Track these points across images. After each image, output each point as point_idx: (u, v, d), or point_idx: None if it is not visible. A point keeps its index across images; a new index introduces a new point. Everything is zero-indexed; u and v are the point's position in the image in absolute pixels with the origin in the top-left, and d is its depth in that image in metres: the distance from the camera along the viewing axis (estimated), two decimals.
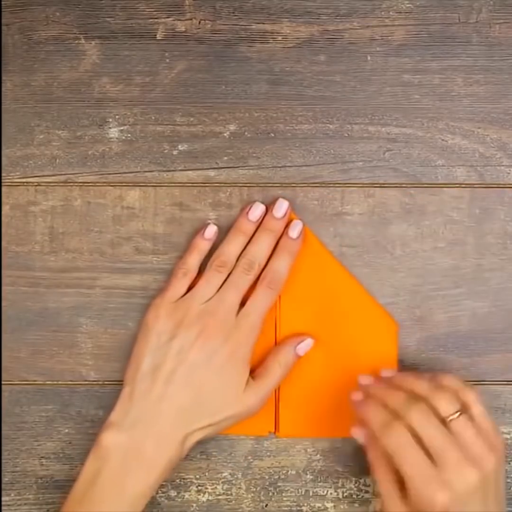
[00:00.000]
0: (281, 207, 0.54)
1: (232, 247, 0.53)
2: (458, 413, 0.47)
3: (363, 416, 0.49)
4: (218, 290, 0.52)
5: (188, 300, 0.52)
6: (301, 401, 0.55)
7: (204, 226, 0.55)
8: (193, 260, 0.54)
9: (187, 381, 0.50)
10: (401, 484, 0.47)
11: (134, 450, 0.49)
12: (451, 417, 0.47)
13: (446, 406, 0.47)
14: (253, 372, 0.53)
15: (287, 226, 0.54)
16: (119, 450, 0.49)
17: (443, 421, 0.47)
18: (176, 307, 0.52)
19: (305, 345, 0.54)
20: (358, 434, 0.51)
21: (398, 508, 0.47)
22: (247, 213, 0.54)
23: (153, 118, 0.57)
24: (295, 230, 0.54)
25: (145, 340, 0.52)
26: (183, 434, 0.50)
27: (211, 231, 0.55)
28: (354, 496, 0.56)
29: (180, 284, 0.53)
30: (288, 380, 0.54)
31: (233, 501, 0.56)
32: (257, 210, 0.54)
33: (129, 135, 0.57)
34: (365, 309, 0.55)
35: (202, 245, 0.54)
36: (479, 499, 0.46)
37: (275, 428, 0.55)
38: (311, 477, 0.56)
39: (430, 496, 0.45)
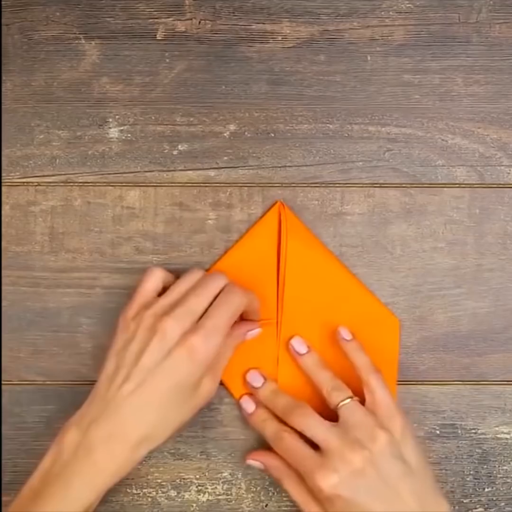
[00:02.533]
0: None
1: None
2: (348, 399, 0.51)
3: (255, 428, 0.54)
4: None
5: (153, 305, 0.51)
6: (300, 399, 0.55)
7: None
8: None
9: (140, 384, 0.49)
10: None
11: (85, 450, 0.48)
12: (340, 404, 0.50)
13: (335, 396, 0.51)
14: None
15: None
16: (71, 449, 0.48)
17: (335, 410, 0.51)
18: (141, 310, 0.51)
19: (254, 333, 0.54)
20: (254, 464, 0.54)
21: (312, 507, 0.50)
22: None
23: (153, 118, 0.57)
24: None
25: (113, 341, 0.51)
26: (135, 440, 0.48)
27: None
28: None
29: (149, 280, 0.52)
30: (288, 379, 0.54)
31: (233, 501, 0.56)
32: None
33: (129, 135, 0.57)
34: (367, 307, 0.55)
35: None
36: (371, 480, 0.48)
37: None
38: None
39: (317, 483, 0.48)
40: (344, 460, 0.48)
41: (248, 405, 0.54)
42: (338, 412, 0.51)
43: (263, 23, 0.57)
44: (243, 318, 0.54)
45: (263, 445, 0.55)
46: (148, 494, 0.56)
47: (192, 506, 0.56)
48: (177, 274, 0.53)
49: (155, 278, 0.52)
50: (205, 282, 0.51)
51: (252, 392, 0.55)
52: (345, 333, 0.54)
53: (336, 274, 0.56)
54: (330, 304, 0.55)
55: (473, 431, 0.56)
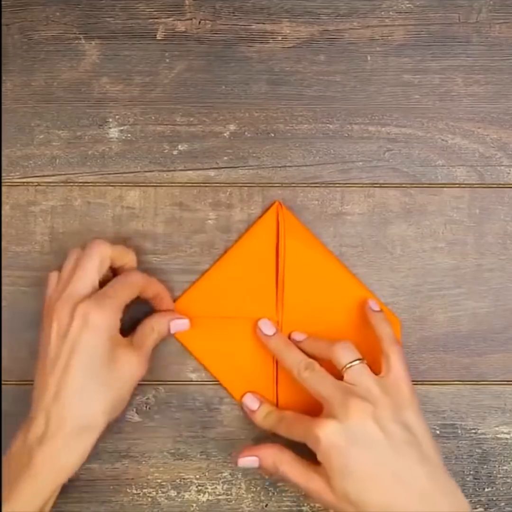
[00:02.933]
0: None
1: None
2: (358, 361, 0.50)
3: (259, 424, 0.53)
4: None
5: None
6: (300, 398, 0.55)
7: None
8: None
9: (58, 369, 0.49)
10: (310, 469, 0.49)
11: (27, 456, 0.48)
12: (349, 365, 0.50)
13: (343, 356, 0.50)
14: (128, 337, 0.52)
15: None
16: (15, 456, 0.49)
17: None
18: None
19: (181, 324, 0.54)
20: (246, 462, 0.52)
21: (314, 482, 0.48)
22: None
23: (153, 118, 0.57)
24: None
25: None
26: (70, 433, 0.49)
27: None
28: None
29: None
30: (288, 378, 0.54)
31: (233, 501, 0.56)
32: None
33: (129, 135, 0.57)
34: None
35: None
36: (372, 434, 0.47)
37: None
38: None
39: (315, 433, 0.48)
40: (345, 409, 0.48)
41: (252, 402, 0.54)
42: (344, 373, 0.50)
43: (263, 23, 0.57)
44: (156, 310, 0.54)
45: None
46: (148, 494, 0.56)
47: (192, 506, 0.56)
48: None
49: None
50: (83, 263, 0.51)
51: (263, 340, 0.54)
52: (373, 305, 0.54)
53: (335, 273, 0.56)
54: (330, 303, 0.55)
55: (473, 431, 0.56)
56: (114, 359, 0.49)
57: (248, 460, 0.52)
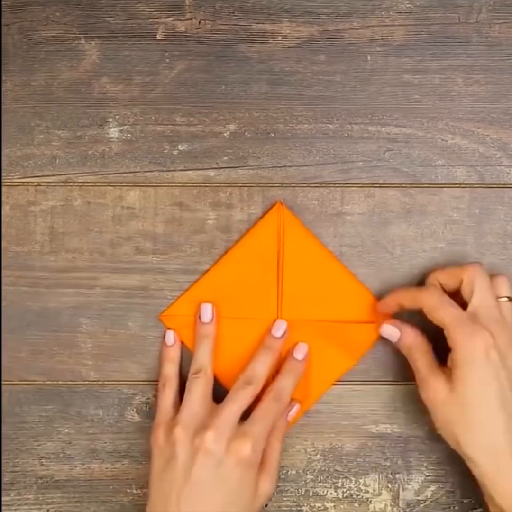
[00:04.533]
0: (280, 328, 0.55)
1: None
2: (507, 298, 0.52)
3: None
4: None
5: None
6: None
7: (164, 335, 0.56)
8: (168, 370, 0.55)
9: (196, 499, 0.49)
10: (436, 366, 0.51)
11: None
12: (502, 299, 0.52)
13: (505, 288, 0.52)
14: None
15: (293, 347, 0.55)
16: None
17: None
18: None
19: (294, 412, 0.54)
20: (390, 329, 0.53)
21: (437, 378, 0.50)
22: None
23: (153, 118, 0.57)
24: (300, 353, 0.54)
25: (151, 465, 0.51)
26: None
27: (170, 337, 0.55)
28: (354, 496, 0.56)
29: (165, 396, 0.53)
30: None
31: None
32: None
33: (129, 135, 0.57)
34: (367, 306, 0.55)
35: (170, 353, 0.55)
36: (494, 363, 0.48)
37: None
38: (311, 477, 0.56)
39: (471, 337, 0.48)
40: (489, 332, 0.49)
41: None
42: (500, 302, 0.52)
43: (263, 23, 0.57)
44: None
45: None
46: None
47: None
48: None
49: (170, 392, 0.54)
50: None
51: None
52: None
53: (336, 274, 0.56)
54: (330, 303, 0.55)
55: None
56: (257, 488, 0.50)
57: (391, 329, 0.53)
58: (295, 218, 0.56)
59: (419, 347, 0.52)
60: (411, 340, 0.52)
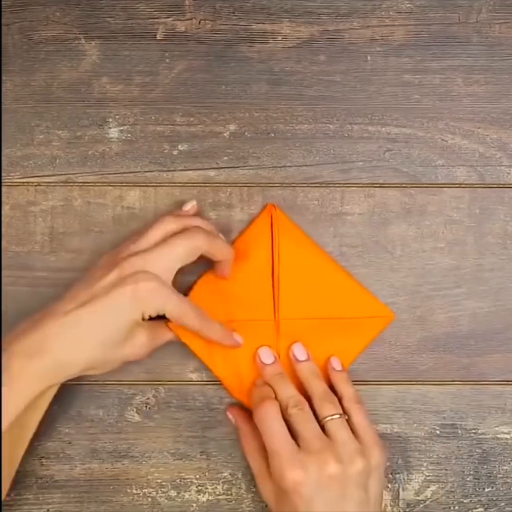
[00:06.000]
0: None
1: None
2: (338, 415, 0.51)
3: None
4: None
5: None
6: None
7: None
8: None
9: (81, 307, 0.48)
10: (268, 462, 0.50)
11: (6, 360, 0.47)
12: (328, 418, 0.51)
13: (327, 409, 0.51)
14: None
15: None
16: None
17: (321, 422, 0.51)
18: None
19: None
20: (231, 415, 0.55)
21: (266, 482, 0.51)
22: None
23: (153, 118, 0.57)
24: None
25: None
26: (54, 362, 0.47)
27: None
28: None
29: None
30: (288, 377, 0.54)
31: (233, 501, 0.56)
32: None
33: (129, 135, 0.57)
34: (361, 301, 0.55)
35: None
36: (332, 494, 0.49)
37: None
38: None
39: (283, 471, 0.49)
40: (319, 465, 0.49)
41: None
42: (324, 424, 0.51)
43: (263, 23, 0.57)
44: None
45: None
46: (148, 494, 0.56)
47: (192, 506, 0.56)
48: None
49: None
50: (173, 243, 0.50)
51: (260, 368, 0.54)
52: (336, 363, 0.55)
53: (331, 273, 0.56)
54: (326, 301, 0.55)
55: (473, 431, 0.56)
56: (132, 332, 0.49)
57: (231, 418, 0.55)
58: (287, 218, 0.56)
59: (252, 447, 0.53)
60: (243, 432, 0.54)
